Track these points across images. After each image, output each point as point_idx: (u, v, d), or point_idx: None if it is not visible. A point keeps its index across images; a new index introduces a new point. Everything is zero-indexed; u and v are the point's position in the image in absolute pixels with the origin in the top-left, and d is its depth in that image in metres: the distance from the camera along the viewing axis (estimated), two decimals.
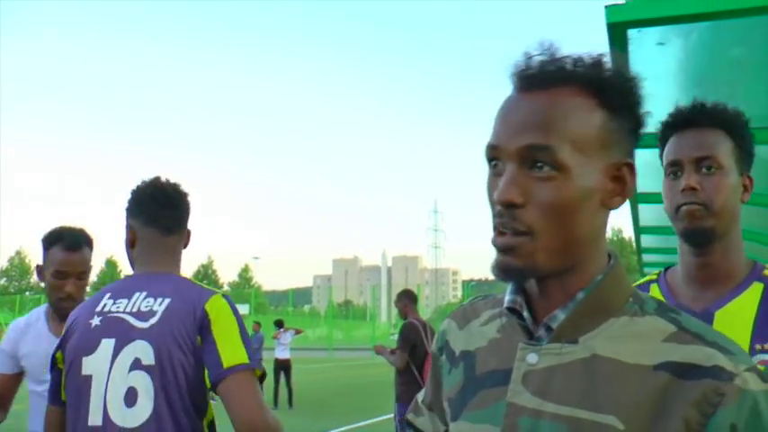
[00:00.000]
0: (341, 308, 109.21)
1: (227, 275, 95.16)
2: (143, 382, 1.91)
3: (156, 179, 2.23)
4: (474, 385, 1.11)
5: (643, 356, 0.96)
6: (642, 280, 1.90)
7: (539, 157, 0.97)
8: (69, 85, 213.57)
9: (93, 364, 1.95)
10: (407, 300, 7.65)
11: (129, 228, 2.19)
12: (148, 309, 1.99)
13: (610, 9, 2.58)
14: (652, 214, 6.83)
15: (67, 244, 2.80)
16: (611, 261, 1.07)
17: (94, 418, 1.92)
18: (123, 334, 1.96)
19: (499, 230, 0.99)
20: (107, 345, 1.95)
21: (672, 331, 0.98)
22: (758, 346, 1.60)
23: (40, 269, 2.87)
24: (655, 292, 1.81)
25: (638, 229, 7.52)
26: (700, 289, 1.73)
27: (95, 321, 2.00)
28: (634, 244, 10.03)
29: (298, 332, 18.36)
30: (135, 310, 1.99)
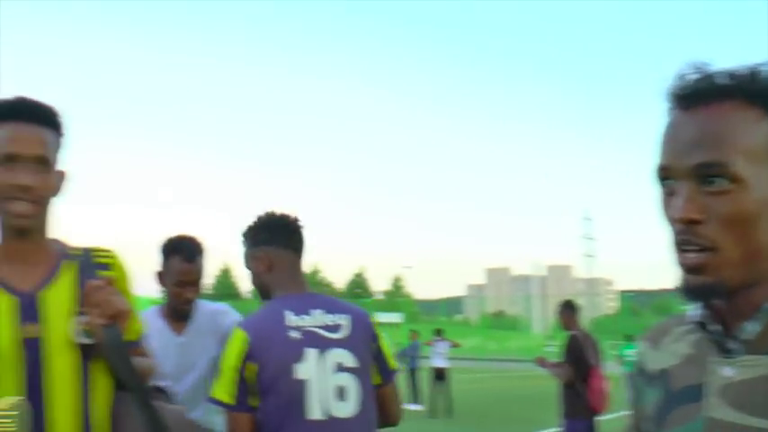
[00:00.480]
0: (493, 318, 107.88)
1: (379, 284, 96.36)
2: (349, 382, 2.31)
3: (274, 211, 2.53)
4: (670, 403, 1.11)
5: None
6: None
7: (712, 173, 0.97)
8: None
9: (306, 370, 2.28)
10: (570, 311, 7.51)
11: (264, 255, 2.46)
12: (334, 323, 2.38)
13: None
14: None
15: (186, 255, 3.02)
16: None
17: (315, 414, 2.26)
18: (321, 343, 2.32)
19: (682, 249, 1.00)
20: (312, 353, 2.29)
21: None
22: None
23: (160, 275, 3.07)
24: None
25: None
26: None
27: (295, 335, 2.31)
28: None
29: (454, 345, 18.25)
30: (322, 324, 2.36)
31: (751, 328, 1.01)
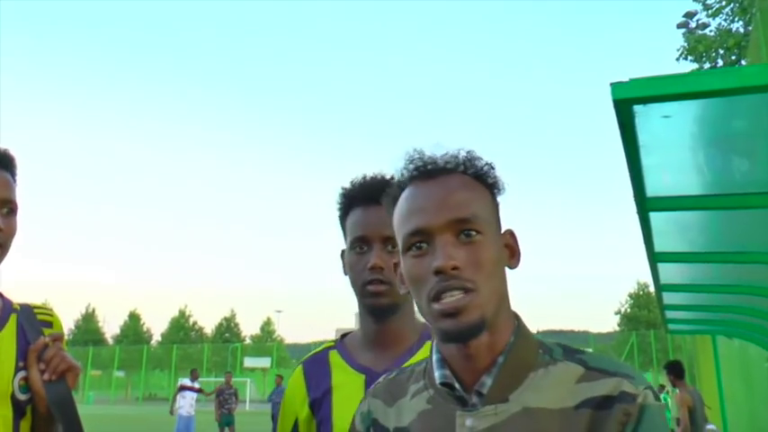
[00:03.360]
0: None
1: (249, 329, 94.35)
2: None
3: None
4: None
5: (565, 400, 1.15)
6: (320, 348, 2.01)
7: (466, 227, 1.19)
8: None
9: None
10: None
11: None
12: None
13: (615, 87, 2.57)
14: (672, 272, 6.99)
15: None
16: (518, 321, 1.27)
17: None
18: None
19: (443, 296, 1.16)
20: None
21: (581, 373, 1.18)
22: None
23: None
24: (335, 356, 1.94)
25: (660, 287, 7.62)
26: (377, 351, 1.87)
27: None
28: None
29: None
30: None
31: (488, 382, 1.19)
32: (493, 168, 1.28)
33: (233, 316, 76.56)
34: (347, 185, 1.92)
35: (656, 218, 4.76)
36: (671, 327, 12.44)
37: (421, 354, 1.83)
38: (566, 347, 1.24)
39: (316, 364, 1.96)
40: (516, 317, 1.27)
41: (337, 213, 1.93)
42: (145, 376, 64.81)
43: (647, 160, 3.64)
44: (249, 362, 60.97)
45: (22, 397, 1.78)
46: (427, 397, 1.27)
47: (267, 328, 77.82)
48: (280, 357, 60.30)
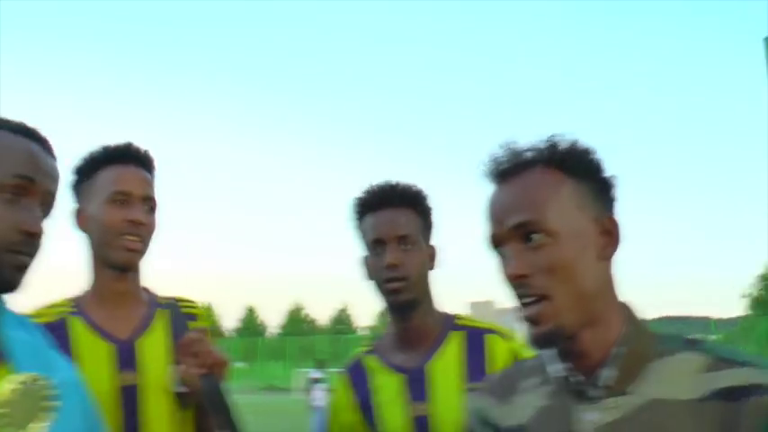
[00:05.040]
0: None
1: (363, 320, 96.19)
2: None
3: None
4: None
5: (689, 391, 1.08)
6: (355, 354, 2.09)
7: (529, 230, 1.13)
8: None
9: None
10: None
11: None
12: None
13: None
14: None
15: None
16: (629, 311, 1.20)
17: None
18: None
19: (522, 303, 1.14)
20: None
21: (704, 362, 1.11)
22: (470, 386, 1.81)
23: None
24: (371, 360, 2.02)
25: None
26: (408, 349, 1.97)
27: None
28: None
29: None
30: None
31: (607, 374, 1.14)
32: (576, 150, 1.20)
33: (346, 308, 77.95)
34: (358, 195, 2.02)
35: None
36: None
37: (447, 344, 1.96)
38: (683, 337, 1.20)
39: (356, 369, 2.05)
40: (626, 306, 1.21)
41: (353, 223, 2.03)
42: (262, 367, 66.69)
43: None
44: None
45: (182, 390, 1.83)
46: (544, 392, 1.23)
47: (381, 319, 78.92)
48: None
